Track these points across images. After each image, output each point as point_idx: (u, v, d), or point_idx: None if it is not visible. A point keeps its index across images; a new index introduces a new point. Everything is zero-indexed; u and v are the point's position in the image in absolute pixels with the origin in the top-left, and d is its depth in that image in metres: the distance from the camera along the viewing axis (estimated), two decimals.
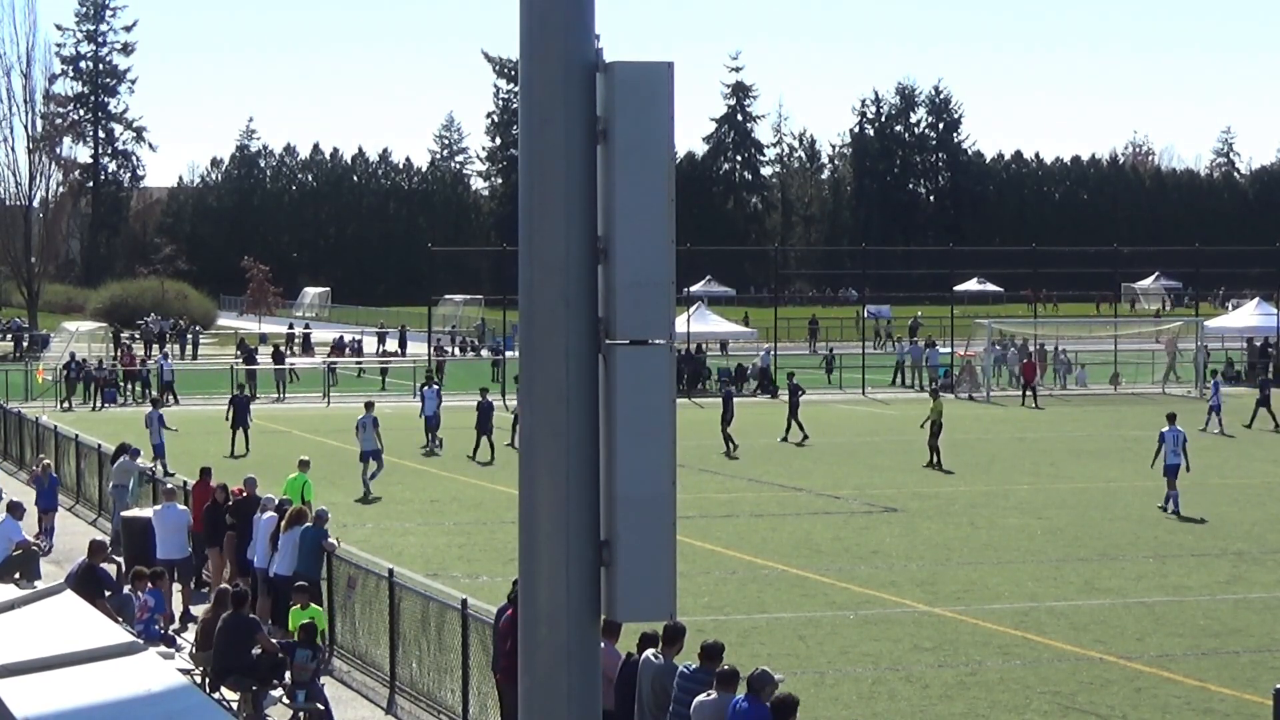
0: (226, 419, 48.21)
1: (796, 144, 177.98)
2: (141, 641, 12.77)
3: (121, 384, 66.28)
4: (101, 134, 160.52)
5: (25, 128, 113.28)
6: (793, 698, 13.94)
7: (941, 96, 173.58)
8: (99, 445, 37.17)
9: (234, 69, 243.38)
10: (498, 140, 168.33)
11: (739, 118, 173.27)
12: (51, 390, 64.10)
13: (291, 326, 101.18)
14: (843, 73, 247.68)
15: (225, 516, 26.28)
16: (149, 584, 21.73)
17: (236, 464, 41.86)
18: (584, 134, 6.68)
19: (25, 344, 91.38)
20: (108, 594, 21.01)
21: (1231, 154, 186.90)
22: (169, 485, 28.67)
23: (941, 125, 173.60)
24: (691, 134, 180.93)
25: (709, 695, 14.42)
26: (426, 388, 50.98)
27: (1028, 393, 62.95)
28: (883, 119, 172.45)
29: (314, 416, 58.20)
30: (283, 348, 79.19)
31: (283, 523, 23.72)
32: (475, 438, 45.33)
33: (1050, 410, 60.47)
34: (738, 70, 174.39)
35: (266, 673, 19.92)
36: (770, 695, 13.98)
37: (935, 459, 43.31)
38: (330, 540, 23.45)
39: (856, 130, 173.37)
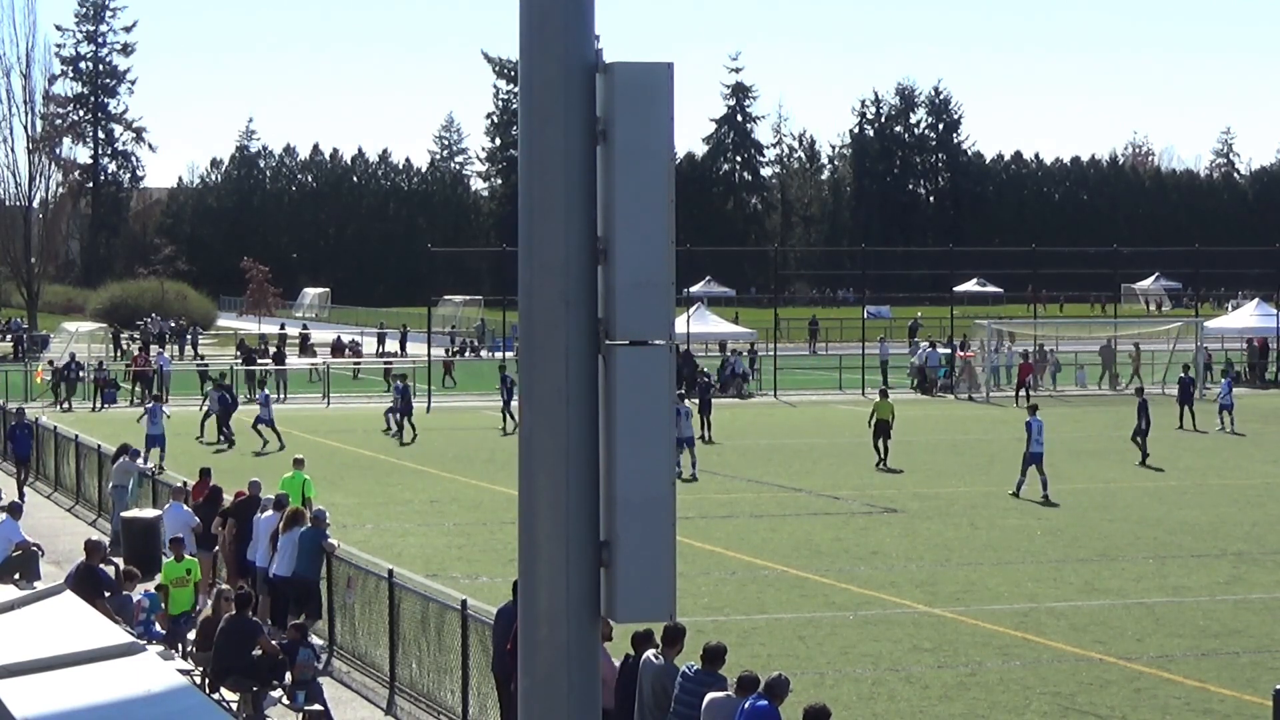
0: (202, 431, 47.11)
1: (796, 144, 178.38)
2: (142, 642, 12.76)
3: (125, 385, 66.15)
4: (101, 134, 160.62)
5: (25, 128, 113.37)
6: (826, 708, 13.93)
7: (941, 97, 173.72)
8: (99, 445, 37.14)
9: (233, 70, 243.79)
10: (498, 141, 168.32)
11: (739, 118, 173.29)
12: (49, 391, 63.97)
13: (283, 327, 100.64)
14: (843, 73, 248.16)
15: (220, 519, 26.24)
16: (144, 585, 21.71)
17: (226, 460, 41.84)
18: (584, 135, 6.68)
19: (25, 344, 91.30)
20: (107, 594, 21.02)
21: (1231, 154, 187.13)
22: (175, 485, 28.71)
23: (941, 126, 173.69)
24: (691, 134, 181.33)
25: (725, 694, 14.41)
26: (154, 404, 45.68)
27: (1021, 393, 62.82)
28: (882, 120, 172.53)
29: (313, 417, 58.13)
30: (284, 348, 79.09)
31: (281, 524, 23.69)
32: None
33: (1049, 411, 60.18)
34: (737, 71, 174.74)
35: (266, 673, 19.92)
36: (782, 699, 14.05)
37: (882, 460, 43.07)
38: (330, 541, 23.44)
39: (856, 131, 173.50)
